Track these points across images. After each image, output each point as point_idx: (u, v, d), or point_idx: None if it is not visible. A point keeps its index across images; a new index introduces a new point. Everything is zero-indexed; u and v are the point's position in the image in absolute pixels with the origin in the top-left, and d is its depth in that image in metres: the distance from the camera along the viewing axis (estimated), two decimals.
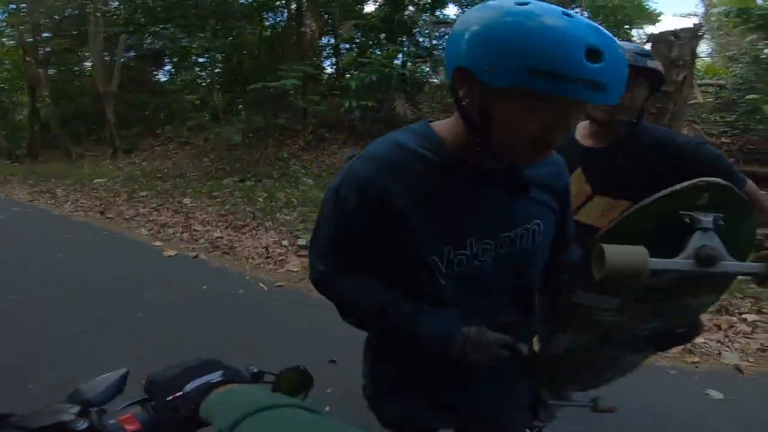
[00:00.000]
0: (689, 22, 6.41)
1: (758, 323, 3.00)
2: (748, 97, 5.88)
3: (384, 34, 9.44)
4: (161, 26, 9.42)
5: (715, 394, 2.33)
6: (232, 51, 12.07)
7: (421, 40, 9.82)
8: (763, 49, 6.14)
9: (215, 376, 0.57)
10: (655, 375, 2.45)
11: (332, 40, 10.47)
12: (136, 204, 6.52)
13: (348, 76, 8.68)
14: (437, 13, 9.52)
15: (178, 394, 0.54)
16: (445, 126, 0.82)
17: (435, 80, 9.56)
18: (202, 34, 10.71)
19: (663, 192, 0.86)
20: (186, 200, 6.44)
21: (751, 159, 5.79)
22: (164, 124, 11.60)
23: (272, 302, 3.39)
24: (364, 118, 8.22)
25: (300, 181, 7.27)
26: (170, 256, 4.40)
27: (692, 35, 4.49)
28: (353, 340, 2.72)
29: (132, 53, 12.96)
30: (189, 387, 0.55)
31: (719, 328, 3.00)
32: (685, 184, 0.85)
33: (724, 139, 6.29)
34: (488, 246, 0.82)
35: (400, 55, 8.98)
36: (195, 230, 5.11)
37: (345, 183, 0.82)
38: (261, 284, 3.66)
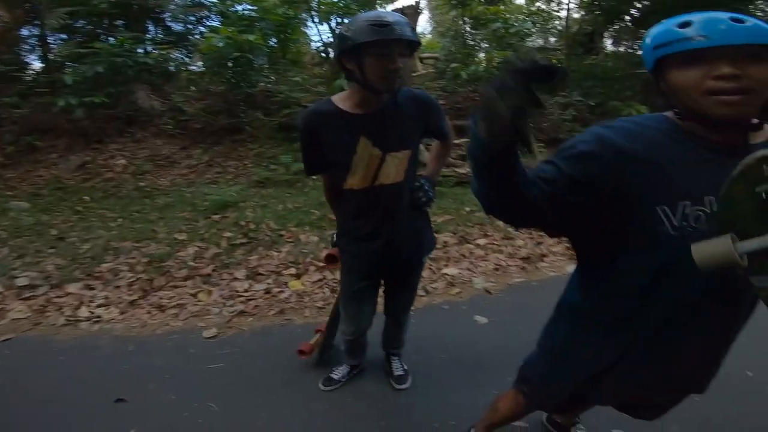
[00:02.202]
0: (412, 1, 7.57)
1: (488, 245, 3.84)
2: (452, 65, 7.33)
3: (122, 21, 7.85)
4: None
5: (481, 319, 2.72)
6: None
7: (172, 25, 8.61)
8: (462, 24, 7.68)
9: None
10: (435, 313, 2.85)
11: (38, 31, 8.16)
12: None
13: (70, 70, 6.84)
14: None
15: None
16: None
17: (193, 67, 8.63)
18: None
19: (734, 174, 0.78)
20: None
21: (459, 115, 7.36)
22: None
23: (2, 361, 2.49)
24: (93, 117, 6.75)
25: (7, 207, 5.33)
26: None
27: (414, 12, 5.24)
28: (136, 374, 2.28)
29: None
30: None
31: (464, 256, 3.66)
32: (749, 160, 0.76)
33: (441, 101, 7.74)
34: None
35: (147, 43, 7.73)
36: None
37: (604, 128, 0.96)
38: None
